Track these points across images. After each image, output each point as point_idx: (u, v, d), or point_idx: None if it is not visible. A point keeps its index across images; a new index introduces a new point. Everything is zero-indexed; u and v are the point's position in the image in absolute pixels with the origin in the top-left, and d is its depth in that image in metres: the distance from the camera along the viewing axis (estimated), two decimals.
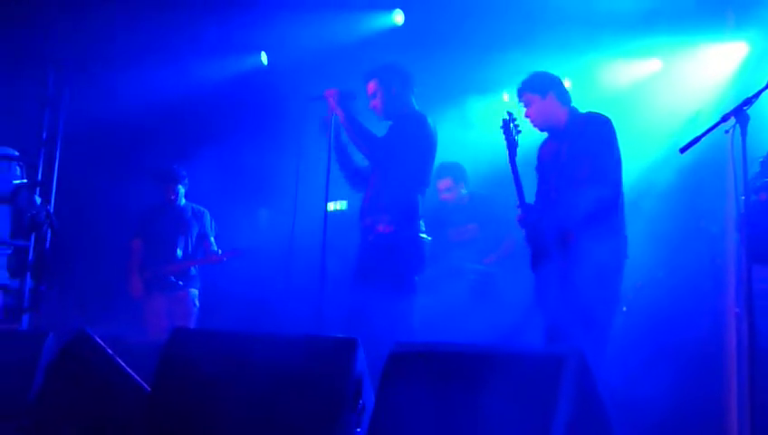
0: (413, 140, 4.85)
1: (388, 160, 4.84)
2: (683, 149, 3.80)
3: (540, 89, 4.60)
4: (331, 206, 5.68)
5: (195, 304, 6.64)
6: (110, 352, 3.64)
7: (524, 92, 4.66)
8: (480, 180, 6.39)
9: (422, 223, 4.89)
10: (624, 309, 5.79)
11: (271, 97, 7.55)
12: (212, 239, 6.75)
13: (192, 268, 6.66)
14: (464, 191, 6.26)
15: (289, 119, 7.38)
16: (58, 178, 7.11)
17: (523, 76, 4.72)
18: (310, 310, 5.54)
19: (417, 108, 5.02)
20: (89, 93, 7.09)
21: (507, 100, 6.94)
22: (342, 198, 7.03)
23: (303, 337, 3.33)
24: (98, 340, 3.68)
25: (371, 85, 5.04)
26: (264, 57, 7.51)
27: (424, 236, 4.89)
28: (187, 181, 6.74)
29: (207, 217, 6.80)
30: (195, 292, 6.66)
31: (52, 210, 6.90)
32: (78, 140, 7.15)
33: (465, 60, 6.57)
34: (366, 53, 6.62)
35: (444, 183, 6.18)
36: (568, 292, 4.22)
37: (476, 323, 5.18)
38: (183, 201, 6.75)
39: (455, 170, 6.17)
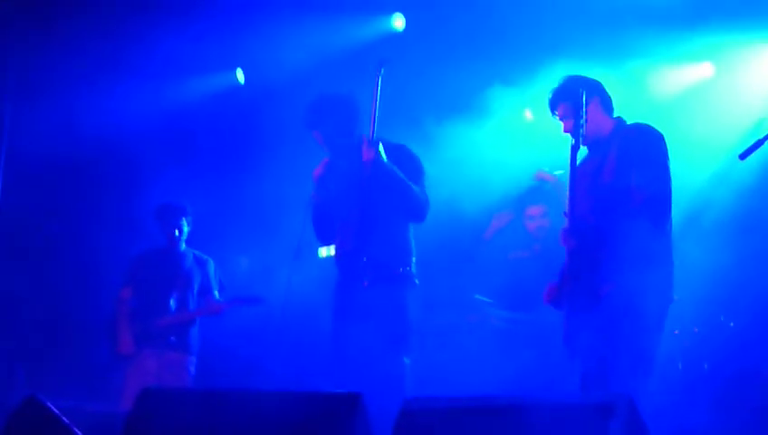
0: (415, 172, 5.05)
1: (382, 193, 4.95)
2: (743, 155, 3.87)
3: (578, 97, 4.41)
4: (324, 251, 5.74)
5: (189, 372, 6.62)
6: (66, 420, 3.66)
7: (559, 102, 4.57)
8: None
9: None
10: (679, 367, 5.82)
11: (249, 121, 7.62)
12: (215, 293, 6.76)
13: (190, 329, 6.63)
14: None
15: (270, 148, 7.48)
16: None
17: (553, 86, 4.66)
18: (304, 367, 5.58)
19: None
20: (35, 122, 7.15)
21: (531, 117, 7.05)
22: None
23: (298, 394, 3.36)
24: (52, 408, 3.70)
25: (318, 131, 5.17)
26: (240, 74, 7.61)
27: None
28: (191, 219, 6.77)
29: (211, 266, 6.83)
30: (191, 358, 6.64)
31: None
32: (22, 176, 7.19)
33: (483, 69, 6.61)
34: (362, 65, 6.69)
35: (536, 209, 6.26)
36: (602, 330, 4.27)
37: (503, 378, 5.22)
38: (183, 247, 6.80)
39: (550, 198, 6.01)
